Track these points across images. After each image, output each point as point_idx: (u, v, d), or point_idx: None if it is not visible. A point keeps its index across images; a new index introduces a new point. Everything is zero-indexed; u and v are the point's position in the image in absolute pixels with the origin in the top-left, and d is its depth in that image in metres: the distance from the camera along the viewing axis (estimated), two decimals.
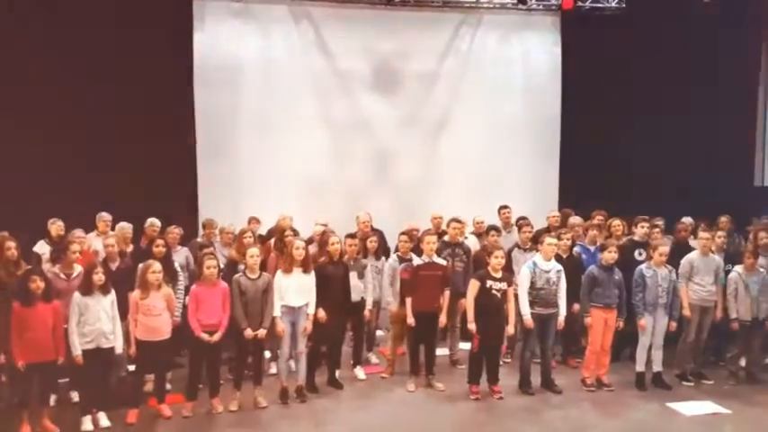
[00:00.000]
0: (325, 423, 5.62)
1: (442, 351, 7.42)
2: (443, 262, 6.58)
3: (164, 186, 9.22)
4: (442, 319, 6.41)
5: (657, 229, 7.72)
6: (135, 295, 5.47)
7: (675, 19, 10.53)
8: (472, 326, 6.14)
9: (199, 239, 7.91)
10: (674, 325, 6.58)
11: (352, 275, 6.46)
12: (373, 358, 7.37)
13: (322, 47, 10.53)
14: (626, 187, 10.40)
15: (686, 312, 6.69)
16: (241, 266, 6.07)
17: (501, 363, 6.70)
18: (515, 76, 11.25)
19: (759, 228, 7.55)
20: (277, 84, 10.22)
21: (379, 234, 8.14)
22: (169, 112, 9.52)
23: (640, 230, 7.38)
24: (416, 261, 6.46)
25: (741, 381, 6.79)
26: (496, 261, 6.17)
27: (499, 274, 6.20)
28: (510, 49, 11.22)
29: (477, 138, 10.96)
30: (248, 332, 5.67)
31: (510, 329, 6.25)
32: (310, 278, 5.93)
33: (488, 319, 6.13)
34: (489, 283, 6.13)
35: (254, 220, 8.05)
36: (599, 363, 6.62)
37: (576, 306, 6.73)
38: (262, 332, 5.72)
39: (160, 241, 6.24)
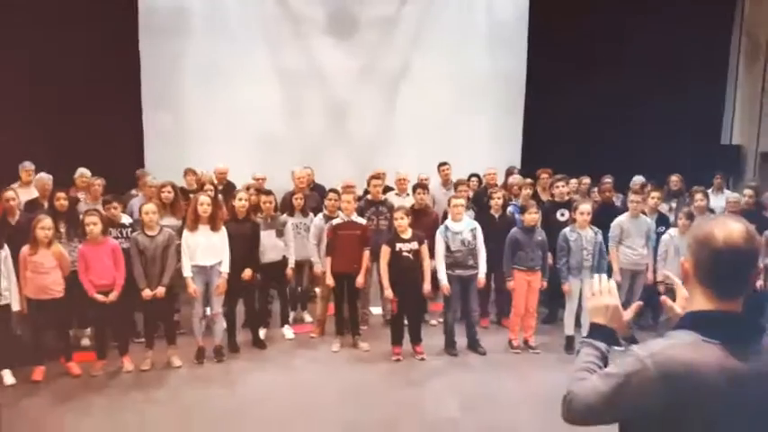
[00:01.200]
0: (234, 383, 5.60)
1: (377, 310, 7.44)
2: (362, 221, 6.47)
3: (108, 136, 9.01)
4: (359, 280, 6.31)
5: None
6: (24, 251, 5.31)
7: None
8: (388, 292, 6.10)
9: (132, 191, 7.79)
10: None
11: (269, 234, 6.36)
12: (308, 317, 7.34)
13: None
14: (591, 144, 10.19)
15: (616, 277, 6.59)
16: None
17: (435, 323, 6.71)
18: (479, 25, 10.89)
19: (696, 190, 7.40)
20: (226, 30, 9.94)
21: (320, 190, 8.05)
22: (113, 59, 9.24)
23: (557, 190, 7.23)
24: (335, 220, 6.35)
25: None
26: (397, 223, 6.07)
27: (407, 235, 6.10)
28: None
29: (439, 90, 10.66)
30: (146, 292, 5.60)
31: (426, 287, 6.18)
32: (220, 236, 5.81)
33: (404, 281, 6.08)
34: (399, 246, 6.06)
35: (189, 173, 7.90)
36: (525, 325, 6.60)
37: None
38: (160, 290, 5.64)
39: (60, 194, 6.01)
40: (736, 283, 1.69)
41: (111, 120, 9.04)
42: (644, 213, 6.85)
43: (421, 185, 7.23)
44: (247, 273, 6.05)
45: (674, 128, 10.35)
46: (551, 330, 7.01)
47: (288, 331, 6.79)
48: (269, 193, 6.56)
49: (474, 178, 8.85)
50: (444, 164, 8.48)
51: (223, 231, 5.83)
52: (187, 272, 5.70)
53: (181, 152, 9.40)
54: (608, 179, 8.51)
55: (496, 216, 7.03)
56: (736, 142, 10.76)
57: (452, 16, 10.72)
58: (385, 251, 6.12)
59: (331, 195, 6.69)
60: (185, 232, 5.75)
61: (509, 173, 9.34)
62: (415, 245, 6.11)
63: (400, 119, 10.70)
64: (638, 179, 8.72)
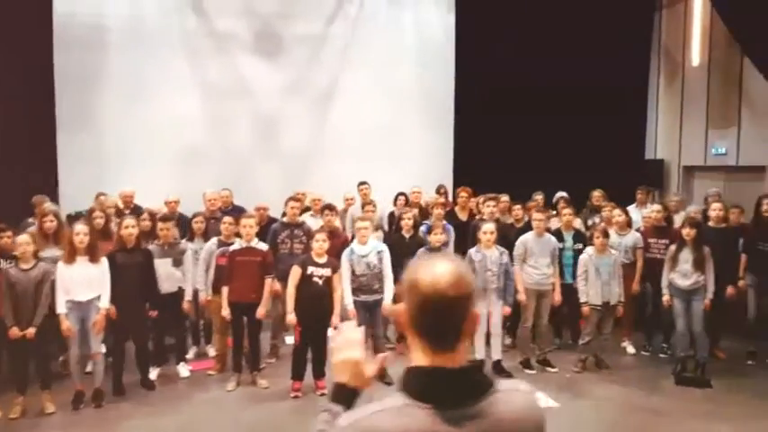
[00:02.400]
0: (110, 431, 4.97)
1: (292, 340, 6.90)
2: (263, 247, 5.88)
3: (20, 157, 8.32)
4: (260, 311, 5.72)
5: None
6: None
7: None
8: (291, 317, 5.57)
9: (29, 219, 7.09)
10: (507, 309, 6.10)
11: (165, 262, 5.76)
12: (212, 352, 6.64)
13: (196, 5, 9.59)
14: (520, 161, 9.87)
15: (521, 297, 6.21)
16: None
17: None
18: (407, 43, 10.50)
19: (611, 206, 7.07)
20: (147, 44, 9.28)
21: (241, 212, 7.50)
22: (26, 75, 8.50)
23: (485, 209, 6.84)
24: (233, 246, 5.79)
25: (590, 367, 6.39)
26: (318, 245, 5.55)
27: (322, 260, 5.59)
28: (401, 14, 10.45)
29: (369, 106, 10.23)
30: (14, 331, 4.94)
31: (334, 320, 5.65)
32: (99, 268, 5.18)
33: (310, 308, 5.54)
34: (311, 269, 5.52)
35: (100, 196, 7.24)
36: None
37: None
38: (30, 331, 4.98)
39: None
40: (447, 332, 1.41)
41: (21, 140, 8.34)
42: (551, 230, 6.48)
43: (329, 207, 6.74)
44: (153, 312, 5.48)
45: (600, 144, 10.12)
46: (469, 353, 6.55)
47: (183, 369, 6.11)
48: (167, 219, 5.94)
49: (401, 197, 8.41)
50: (363, 183, 8.03)
51: (103, 263, 5.20)
52: (61, 308, 5.05)
53: (99, 173, 8.77)
54: (538, 196, 8.21)
55: (407, 236, 6.61)
56: (660, 157, 10.56)
57: (380, 34, 10.30)
58: (295, 272, 5.57)
59: (225, 219, 6.13)
60: (60, 264, 5.10)
61: (438, 191, 8.99)
62: (328, 271, 5.59)
63: (330, 136, 10.20)
64: (561, 194, 8.43)
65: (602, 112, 10.14)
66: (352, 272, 5.77)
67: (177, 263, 5.88)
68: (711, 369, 6.23)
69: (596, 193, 8.19)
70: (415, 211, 7.01)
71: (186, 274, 5.94)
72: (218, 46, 9.70)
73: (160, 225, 5.83)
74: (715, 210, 6.61)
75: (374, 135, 10.18)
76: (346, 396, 1.55)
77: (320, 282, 5.51)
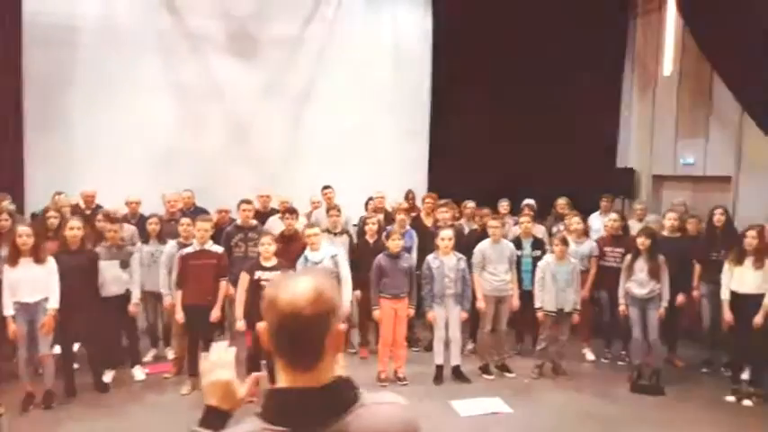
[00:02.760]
0: None
1: None
2: (218, 249, 5.84)
3: None
4: (214, 314, 5.67)
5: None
6: None
7: None
8: (240, 324, 5.53)
9: None
10: (464, 315, 6.11)
11: (112, 264, 5.69)
12: (171, 354, 6.57)
13: (169, 5, 9.53)
14: (495, 167, 9.90)
15: (479, 304, 6.22)
16: None
17: None
18: (384, 46, 10.51)
19: (572, 214, 7.10)
20: (118, 44, 9.18)
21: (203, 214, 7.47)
22: None
23: (439, 215, 6.85)
24: (186, 249, 5.75)
25: (547, 373, 6.40)
26: (263, 248, 5.51)
27: (270, 263, 5.54)
28: (378, 18, 10.46)
29: (345, 108, 10.21)
30: None
31: None
32: (46, 269, 5.09)
33: (260, 313, 5.48)
34: (258, 274, 5.47)
35: (56, 195, 7.16)
36: (394, 355, 6.13)
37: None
38: None
39: None
40: (306, 351, 1.38)
41: None
42: (504, 238, 6.51)
43: (289, 210, 6.71)
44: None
45: (573, 151, 10.17)
46: (429, 359, 6.52)
47: (138, 372, 6.04)
48: (114, 220, 5.89)
49: (371, 201, 8.41)
50: (327, 187, 8.01)
51: (50, 264, 5.13)
52: (7, 310, 4.97)
53: (67, 173, 8.63)
54: (504, 203, 8.23)
55: (371, 242, 6.63)
56: (631, 165, 10.62)
57: (357, 36, 10.29)
58: (243, 278, 5.53)
59: (183, 221, 6.07)
60: (5, 267, 5.02)
61: (406, 197, 8.99)
62: (277, 274, 5.55)
63: (305, 138, 10.18)
64: (528, 202, 8.45)
65: (576, 119, 10.18)
66: None
67: (124, 265, 5.79)
68: (667, 377, 6.25)
69: (561, 201, 8.21)
70: (380, 216, 6.99)
71: (133, 276, 5.86)
72: (191, 46, 9.64)
73: (107, 226, 5.75)
74: (670, 219, 6.66)
75: (350, 138, 10.18)
76: (216, 419, 1.50)
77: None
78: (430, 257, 6.10)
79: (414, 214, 8.08)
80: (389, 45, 10.50)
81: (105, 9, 9.20)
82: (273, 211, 7.78)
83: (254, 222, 6.62)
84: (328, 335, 1.39)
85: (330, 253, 5.82)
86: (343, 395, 1.40)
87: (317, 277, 1.43)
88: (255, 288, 5.41)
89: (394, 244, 6.00)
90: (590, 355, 6.95)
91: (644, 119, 10.43)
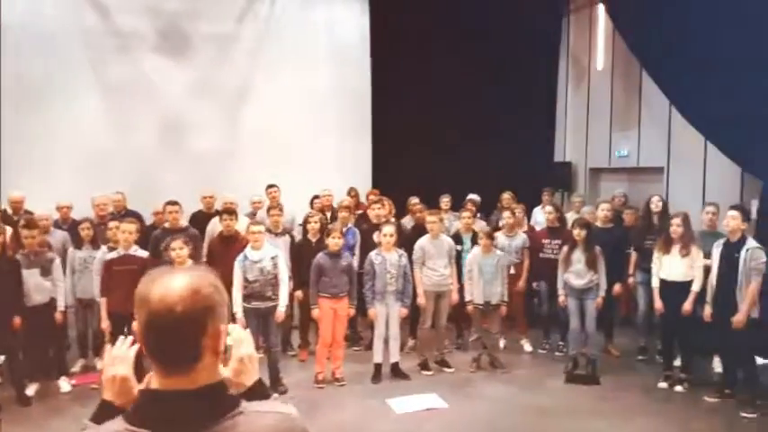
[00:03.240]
0: None
1: None
2: (143, 254, 5.61)
3: None
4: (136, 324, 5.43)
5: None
6: None
7: None
8: None
9: None
10: (404, 311, 6.06)
11: (33, 273, 5.40)
12: (100, 364, 6.34)
13: (95, 2, 9.17)
14: (437, 163, 9.91)
15: (420, 300, 6.18)
16: None
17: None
18: (321, 45, 10.38)
19: (504, 207, 7.14)
20: (44, 43, 8.80)
21: (135, 217, 7.18)
22: None
23: (371, 212, 6.79)
24: (110, 254, 5.51)
25: (485, 366, 6.40)
26: (175, 253, 5.30)
27: (185, 266, 5.35)
28: (314, 15, 10.34)
29: (283, 108, 10.05)
30: None
31: None
32: None
33: None
34: None
35: None
36: (333, 356, 6.02)
37: None
38: None
39: None
40: (179, 351, 1.28)
41: None
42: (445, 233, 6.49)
43: (228, 211, 6.52)
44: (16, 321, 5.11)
45: (512, 146, 10.29)
46: (371, 357, 6.40)
47: (64, 383, 5.74)
48: (31, 226, 5.54)
49: (317, 200, 8.28)
50: (272, 186, 7.83)
51: None
52: None
53: None
54: (445, 198, 8.22)
55: (314, 241, 6.49)
56: (568, 159, 10.79)
57: (293, 34, 10.13)
58: None
59: (111, 224, 5.83)
60: None
61: (348, 194, 8.90)
62: None
63: (243, 137, 9.97)
64: (472, 197, 8.46)
65: (514, 114, 10.31)
66: (245, 278, 5.58)
67: (46, 272, 5.50)
68: (603, 366, 6.33)
69: (506, 195, 8.29)
70: (320, 215, 6.86)
71: (56, 284, 5.58)
72: (120, 45, 9.31)
73: (24, 233, 5.43)
74: (603, 210, 6.75)
75: (290, 136, 10.02)
76: (108, 414, 1.42)
77: None
78: (372, 254, 6.02)
79: (360, 211, 8.01)
80: (327, 43, 10.39)
81: (30, 6, 8.79)
82: (219, 213, 7.56)
83: (184, 225, 6.40)
84: (205, 335, 1.29)
85: (271, 254, 5.66)
86: (219, 400, 1.30)
87: (195, 274, 1.33)
88: None
89: (333, 242, 5.88)
90: (527, 347, 7.00)
91: (579, 113, 10.62)
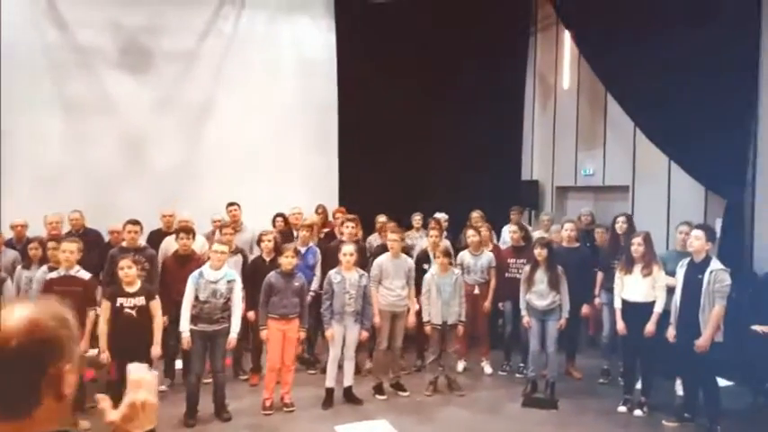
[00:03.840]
0: None
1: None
2: (85, 275, 5.27)
3: None
4: (81, 347, 5.13)
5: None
6: None
7: (447, 7, 9.90)
8: (105, 355, 5.05)
9: None
10: (365, 334, 5.81)
11: None
12: None
13: (55, 17, 8.93)
14: (405, 182, 9.74)
15: (376, 320, 5.94)
16: None
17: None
18: (287, 60, 10.19)
19: (469, 226, 6.95)
20: (2, 58, 8.45)
21: (94, 236, 6.95)
22: None
23: (344, 230, 6.57)
24: (51, 274, 5.21)
25: (442, 389, 6.16)
26: (123, 273, 5.05)
27: (133, 288, 5.09)
28: (279, 32, 10.15)
29: (247, 125, 9.84)
30: None
31: (155, 351, 5.14)
32: None
33: (125, 342, 5.02)
34: (120, 300, 5.02)
35: None
36: (282, 380, 5.74)
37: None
38: None
39: None
40: (12, 392, 1.10)
41: None
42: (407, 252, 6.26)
43: (184, 230, 6.26)
44: None
45: (481, 165, 10.18)
46: (321, 381, 6.10)
47: None
48: None
49: (279, 218, 8.01)
50: (232, 204, 7.58)
51: None
52: None
53: None
54: (417, 217, 8.03)
55: (268, 260, 6.25)
56: (536, 177, 10.67)
57: (258, 52, 9.95)
58: (104, 306, 5.06)
59: (50, 244, 5.53)
60: None
61: (316, 211, 8.66)
62: (141, 300, 5.09)
63: (206, 154, 9.69)
64: (439, 216, 8.24)
65: (483, 132, 10.21)
66: (196, 297, 5.31)
67: None
68: (564, 389, 6.14)
69: (475, 214, 8.10)
70: (275, 233, 6.61)
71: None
72: (80, 61, 9.05)
73: None
74: (567, 230, 6.58)
75: (255, 153, 9.80)
76: None
77: (133, 312, 5.01)
78: (332, 273, 5.78)
79: (327, 230, 7.76)
80: (292, 59, 10.20)
81: None
82: (176, 231, 7.29)
83: (143, 244, 6.13)
84: (45, 376, 1.12)
85: (229, 277, 5.39)
86: None
87: (41, 306, 1.17)
88: (119, 316, 4.97)
89: (286, 261, 5.63)
90: (488, 368, 6.78)
91: (546, 132, 10.53)
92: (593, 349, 7.05)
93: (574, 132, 9.80)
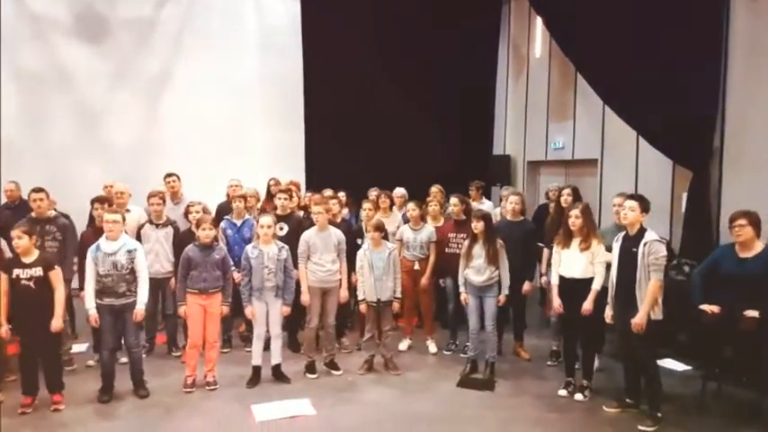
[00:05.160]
0: None
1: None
2: None
3: None
4: None
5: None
6: None
7: None
8: (3, 329, 4.74)
9: None
10: (286, 309, 5.45)
11: None
12: None
13: None
14: (373, 156, 9.34)
15: (304, 297, 5.58)
16: None
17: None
18: (248, 30, 9.81)
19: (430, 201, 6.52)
20: None
21: (27, 208, 6.59)
22: None
23: (277, 201, 6.21)
24: None
25: (378, 368, 5.82)
26: (15, 243, 4.72)
27: (30, 258, 4.76)
28: (241, 1, 9.70)
29: (208, 96, 9.50)
30: None
31: (55, 323, 4.81)
32: None
33: (25, 315, 4.71)
34: (17, 271, 4.70)
35: None
36: (206, 357, 5.42)
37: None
38: None
39: None
40: None
41: None
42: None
43: (99, 200, 5.92)
44: None
45: (451, 139, 9.76)
46: (246, 359, 5.74)
47: None
48: None
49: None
50: (170, 175, 7.22)
51: None
52: None
53: None
54: (374, 192, 7.64)
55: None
56: (508, 152, 10.21)
57: (218, 20, 9.56)
58: (2, 279, 4.75)
59: None
60: None
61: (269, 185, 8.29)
62: (38, 270, 4.76)
63: (165, 127, 9.39)
64: (398, 191, 7.84)
65: (452, 106, 9.77)
66: (97, 271, 4.98)
67: None
68: (507, 370, 5.79)
69: (434, 189, 7.67)
70: (202, 204, 6.24)
71: None
72: (33, 30, 8.71)
73: None
74: (512, 203, 6.14)
75: (214, 128, 9.48)
76: None
77: (31, 284, 4.69)
78: (248, 247, 5.43)
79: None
80: (255, 29, 9.81)
81: None
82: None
83: (53, 214, 5.80)
84: None
85: (128, 247, 5.04)
86: None
87: None
88: (17, 288, 4.66)
89: (203, 234, 5.29)
90: (432, 348, 6.41)
91: (518, 104, 10.06)
92: (547, 329, 6.66)
93: (545, 104, 9.32)
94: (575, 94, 8.64)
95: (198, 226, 5.35)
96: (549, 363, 6.08)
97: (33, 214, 5.71)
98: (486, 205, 7.91)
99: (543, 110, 9.34)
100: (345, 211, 7.16)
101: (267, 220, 5.36)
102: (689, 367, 5.89)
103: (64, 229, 5.69)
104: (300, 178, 9.42)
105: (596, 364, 5.83)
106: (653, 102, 6.50)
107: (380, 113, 9.55)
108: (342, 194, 7.49)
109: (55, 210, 6.06)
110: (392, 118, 9.61)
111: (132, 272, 5.01)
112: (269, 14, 9.82)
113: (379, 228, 5.60)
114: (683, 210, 6.76)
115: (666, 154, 6.89)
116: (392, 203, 7.01)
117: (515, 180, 9.93)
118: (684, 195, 6.81)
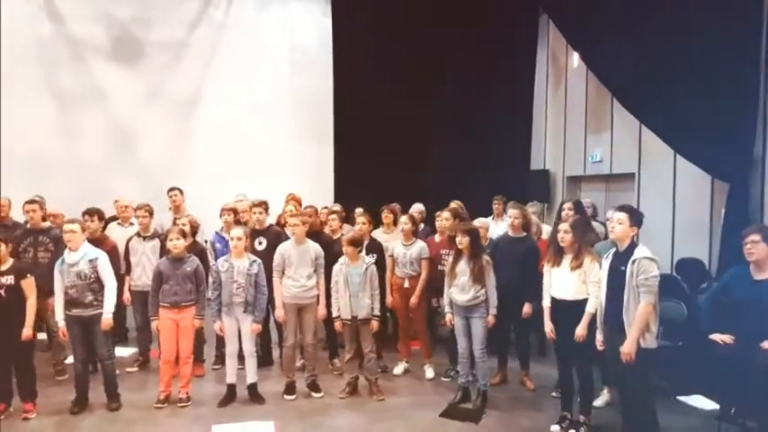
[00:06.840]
0: None
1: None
2: None
3: None
4: None
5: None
6: None
7: None
8: None
9: None
10: (256, 327, 5.24)
11: None
12: None
13: (51, 11, 9.10)
14: (403, 172, 9.10)
15: (278, 313, 5.36)
16: None
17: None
18: (279, 48, 9.88)
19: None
20: None
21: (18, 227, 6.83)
22: None
23: (255, 216, 6.05)
24: None
25: (362, 392, 5.48)
26: None
27: (4, 266, 4.81)
28: (271, 19, 9.86)
29: (238, 114, 9.64)
30: None
31: (25, 332, 4.82)
32: None
33: None
34: None
35: None
36: (180, 373, 5.30)
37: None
38: None
39: None
40: None
41: None
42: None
43: (89, 212, 5.99)
44: None
45: (488, 153, 9.34)
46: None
47: None
48: None
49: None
50: (173, 189, 7.28)
51: None
52: None
53: None
54: (415, 207, 7.39)
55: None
56: (547, 167, 9.62)
57: (249, 40, 9.72)
58: None
59: None
60: None
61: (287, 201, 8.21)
62: (10, 279, 4.82)
63: (195, 145, 9.59)
64: (416, 207, 7.53)
65: (489, 120, 9.38)
66: (64, 283, 5.00)
67: None
68: (502, 400, 5.29)
69: (453, 205, 7.29)
70: (190, 217, 6.18)
71: None
72: (72, 52, 9.18)
73: None
74: (511, 217, 5.66)
75: (245, 146, 9.57)
76: None
77: (1, 292, 4.76)
78: (219, 261, 5.30)
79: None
80: (285, 47, 9.87)
81: None
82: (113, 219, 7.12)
83: (46, 225, 5.93)
84: None
85: (89, 256, 5.03)
86: None
87: None
88: None
89: (172, 245, 5.20)
90: (429, 373, 5.97)
91: (557, 116, 9.47)
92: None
93: (583, 115, 8.71)
94: (611, 103, 8.01)
95: (166, 237, 5.28)
96: (553, 394, 5.49)
97: (28, 225, 5.85)
98: (506, 222, 7.40)
99: (581, 122, 8.74)
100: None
101: (238, 232, 5.20)
102: (718, 406, 5.13)
103: (57, 241, 5.79)
104: (329, 194, 9.32)
105: (606, 398, 5.24)
106: (687, 113, 5.97)
107: (412, 128, 9.32)
108: (359, 210, 7.20)
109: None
110: (424, 133, 9.36)
111: (99, 281, 4.98)
112: (299, 32, 9.87)
113: (354, 242, 5.29)
114: (721, 222, 6.03)
115: (701, 166, 6.21)
116: (396, 219, 6.67)
117: (554, 196, 9.31)
118: (723, 211, 6.08)
